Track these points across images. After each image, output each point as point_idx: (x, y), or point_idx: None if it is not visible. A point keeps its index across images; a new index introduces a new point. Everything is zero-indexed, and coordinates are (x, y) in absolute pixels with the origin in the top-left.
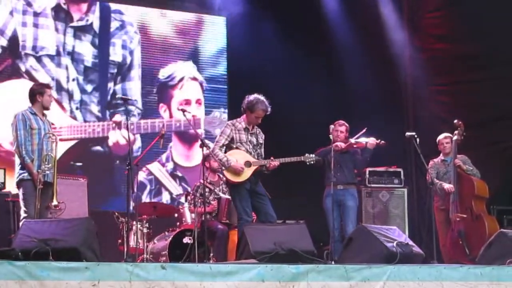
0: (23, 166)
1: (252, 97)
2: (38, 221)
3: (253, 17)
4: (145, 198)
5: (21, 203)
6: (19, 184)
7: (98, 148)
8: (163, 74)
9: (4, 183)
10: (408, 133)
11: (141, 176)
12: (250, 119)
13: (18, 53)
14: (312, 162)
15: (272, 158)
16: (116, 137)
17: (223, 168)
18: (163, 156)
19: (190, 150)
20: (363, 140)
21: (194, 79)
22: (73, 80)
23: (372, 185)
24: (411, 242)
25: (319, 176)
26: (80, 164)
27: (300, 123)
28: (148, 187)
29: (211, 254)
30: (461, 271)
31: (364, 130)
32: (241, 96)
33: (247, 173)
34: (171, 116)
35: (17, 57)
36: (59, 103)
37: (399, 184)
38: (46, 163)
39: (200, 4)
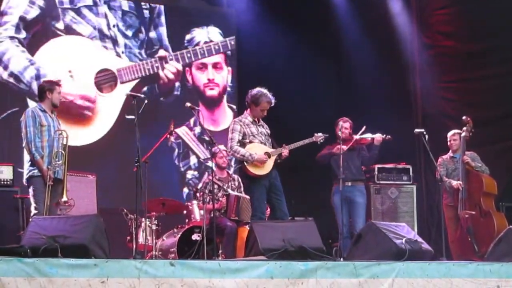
0: (33, 163)
1: (255, 90)
2: (47, 218)
3: (262, 13)
4: (174, 160)
5: (31, 200)
6: (29, 180)
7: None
8: (187, 38)
9: (12, 180)
10: (417, 130)
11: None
12: (256, 113)
13: (56, 11)
14: (322, 140)
15: (284, 145)
16: (164, 73)
17: (246, 163)
18: (191, 121)
19: (214, 115)
20: (369, 136)
21: (212, 42)
22: (114, 26)
23: (381, 182)
24: (420, 239)
25: (327, 173)
26: (132, 117)
27: (309, 120)
28: (176, 150)
29: (220, 251)
30: (470, 268)
31: (363, 129)
32: (249, 89)
33: (269, 164)
34: (193, 80)
35: (55, 15)
36: (106, 48)
37: (408, 181)
38: (57, 160)
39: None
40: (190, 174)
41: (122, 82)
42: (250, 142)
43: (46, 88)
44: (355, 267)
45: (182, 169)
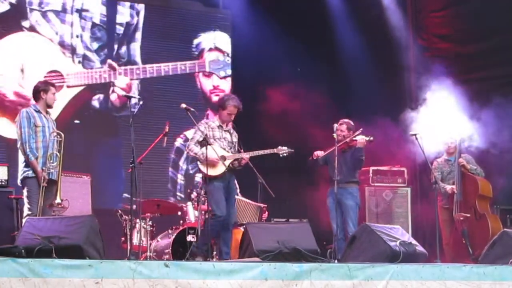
0: (27, 164)
1: (223, 94)
2: (41, 219)
3: (257, 14)
4: (182, 164)
5: (25, 201)
6: (23, 181)
7: (96, 104)
8: (195, 43)
9: (7, 180)
10: (411, 132)
11: (179, 142)
12: (223, 117)
13: (24, 10)
14: (285, 154)
15: (242, 151)
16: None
17: (200, 162)
18: None
19: None
20: (359, 137)
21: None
22: (77, 36)
23: (376, 184)
24: (414, 241)
25: (323, 174)
26: (78, 121)
27: (303, 122)
28: (185, 153)
29: (214, 252)
30: (464, 271)
31: (359, 131)
32: (245, 92)
33: (223, 166)
34: (201, 86)
35: (23, 14)
36: (64, 54)
37: (402, 183)
38: (52, 161)
39: (204, 1)
40: (199, 177)
41: (68, 86)
42: (210, 144)
43: (41, 89)
44: (349, 269)
45: (191, 172)
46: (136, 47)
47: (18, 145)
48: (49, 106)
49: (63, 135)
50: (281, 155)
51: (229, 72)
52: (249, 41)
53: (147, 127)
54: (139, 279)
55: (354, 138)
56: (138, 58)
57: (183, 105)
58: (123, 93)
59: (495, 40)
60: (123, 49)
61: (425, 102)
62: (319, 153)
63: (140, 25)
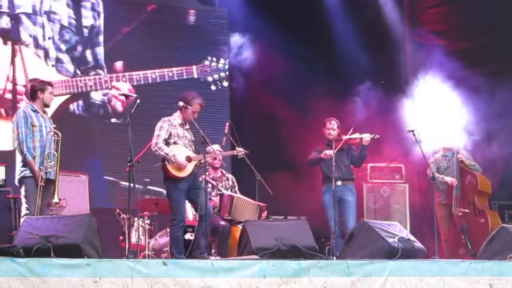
0: (25, 164)
1: (186, 93)
2: (39, 218)
3: (254, 12)
4: None
5: (23, 200)
6: (21, 181)
7: (75, 109)
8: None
9: (5, 180)
10: (409, 128)
11: None
12: (187, 115)
13: None
14: (241, 156)
15: (209, 152)
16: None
17: (167, 162)
18: None
19: None
20: (357, 136)
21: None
22: (49, 38)
23: (374, 181)
24: (412, 238)
25: (314, 172)
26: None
27: (299, 119)
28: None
29: (213, 250)
30: (463, 266)
31: (351, 130)
32: (241, 90)
33: (189, 168)
34: None
35: None
36: (39, 57)
37: (400, 179)
38: (49, 161)
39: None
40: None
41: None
42: (175, 143)
43: (38, 88)
44: (347, 266)
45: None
46: (100, 51)
47: (16, 145)
48: (46, 106)
49: (60, 134)
50: (239, 157)
51: (216, 77)
52: (246, 38)
53: (145, 126)
54: (138, 277)
55: (359, 137)
56: (102, 62)
57: (181, 103)
58: (122, 92)
59: (491, 36)
60: (89, 53)
61: (422, 99)
62: (330, 153)
63: (102, 28)
